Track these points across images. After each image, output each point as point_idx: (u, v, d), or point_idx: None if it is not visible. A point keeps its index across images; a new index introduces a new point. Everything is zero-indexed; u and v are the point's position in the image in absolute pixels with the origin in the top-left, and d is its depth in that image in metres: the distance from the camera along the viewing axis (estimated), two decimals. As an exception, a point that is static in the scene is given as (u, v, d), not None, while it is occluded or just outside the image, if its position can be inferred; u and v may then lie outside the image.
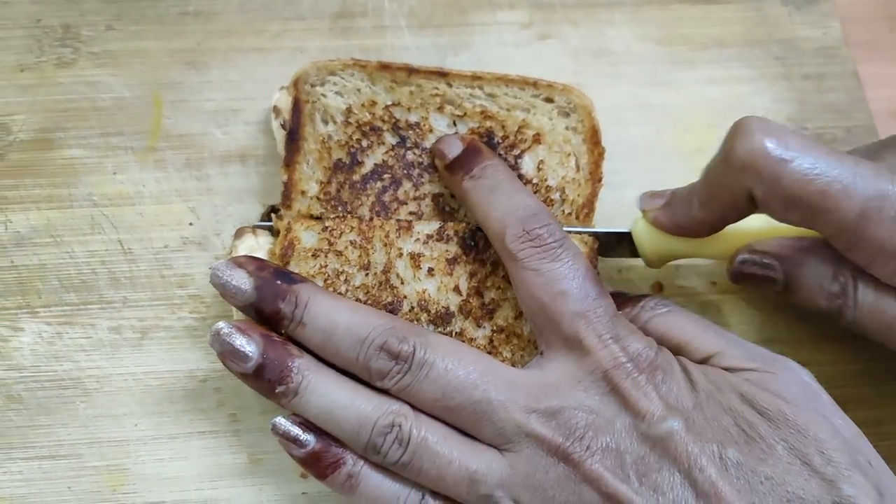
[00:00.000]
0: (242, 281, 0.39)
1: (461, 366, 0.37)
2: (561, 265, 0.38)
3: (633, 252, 0.44)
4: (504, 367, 0.38)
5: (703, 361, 0.39)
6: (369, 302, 0.41)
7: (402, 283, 0.41)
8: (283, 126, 0.45)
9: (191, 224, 0.48)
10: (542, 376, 0.38)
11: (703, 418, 0.36)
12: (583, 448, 0.36)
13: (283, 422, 0.38)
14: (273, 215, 0.44)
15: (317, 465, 0.38)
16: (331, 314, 0.38)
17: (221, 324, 0.38)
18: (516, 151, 0.45)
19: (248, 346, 0.38)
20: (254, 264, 0.39)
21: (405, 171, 0.44)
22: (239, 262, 0.39)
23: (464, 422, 0.37)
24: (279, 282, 0.39)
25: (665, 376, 0.37)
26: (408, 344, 0.37)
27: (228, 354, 0.38)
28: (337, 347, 0.38)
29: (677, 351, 0.40)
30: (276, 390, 0.38)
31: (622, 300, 0.42)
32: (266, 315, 0.39)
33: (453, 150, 0.43)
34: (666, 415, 0.36)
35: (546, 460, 0.36)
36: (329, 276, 0.41)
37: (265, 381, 0.38)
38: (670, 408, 0.36)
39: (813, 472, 0.35)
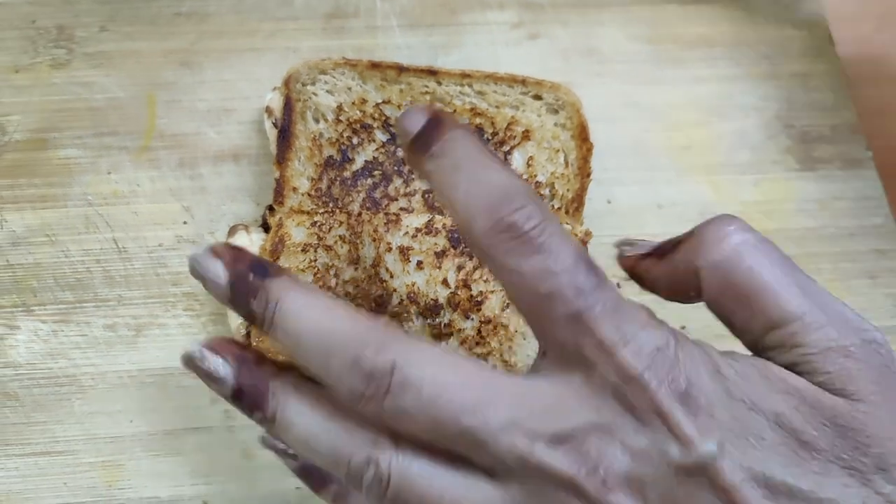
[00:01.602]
0: (218, 274, 0.32)
1: (452, 384, 0.30)
2: (544, 257, 0.30)
3: None
4: (502, 378, 0.31)
5: (774, 328, 0.31)
6: (359, 296, 0.41)
7: (392, 276, 0.42)
8: (275, 125, 0.46)
9: (185, 223, 0.48)
10: (547, 389, 0.30)
11: (742, 433, 0.29)
12: (598, 482, 0.29)
13: (269, 437, 0.35)
14: (266, 211, 0.45)
15: (307, 480, 0.35)
16: (300, 316, 0.32)
17: (192, 346, 0.33)
18: (506, 147, 0.45)
19: (221, 369, 0.33)
20: (231, 254, 0.33)
21: (395, 168, 0.45)
22: (216, 252, 0.33)
23: (457, 449, 0.31)
24: (252, 275, 0.32)
25: (690, 381, 0.29)
26: (385, 359, 0.30)
27: (205, 379, 0.33)
28: (306, 359, 0.32)
29: (738, 307, 0.32)
30: (254, 416, 0.33)
31: (656, 249, 0.36)
32: (243, 316, 0.33)
33: (415, 124, 0.33)
34: (695, 436, 0.29)
35: (554, 496, 0.29)
36: (319, 270, 0.42)
37: (244, 405, 0.33)
38: (701, 426, 0.29)
39: (875, 493, 0.29)
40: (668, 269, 0.35)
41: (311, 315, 0.31)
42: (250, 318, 0.33)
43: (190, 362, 0.33)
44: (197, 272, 0.33)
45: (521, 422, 0.30)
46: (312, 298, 0.32)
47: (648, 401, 0.29)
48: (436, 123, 0.33)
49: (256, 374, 0.33)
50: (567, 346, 0.30)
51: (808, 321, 0.31)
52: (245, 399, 0.33)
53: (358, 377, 0.30)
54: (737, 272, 0.32)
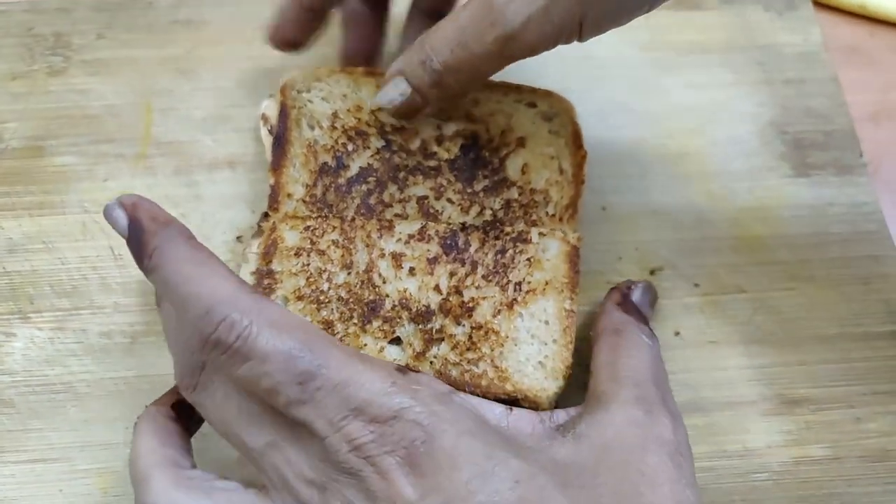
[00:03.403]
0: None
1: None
2: (253, 363, 0.33)
3: None
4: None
5: (615, 380, 0.38)
6: (351, 300, 0.41)
7: (384, 281, 0.42)
8: (270, 132, 0.46)
9: (181, 230, 0.48)
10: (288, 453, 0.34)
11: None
12: None
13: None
14: (262, 218, 0.45)
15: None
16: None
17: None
18: (501, 154, 0.46)
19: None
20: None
21: (390, 174, 0.45)
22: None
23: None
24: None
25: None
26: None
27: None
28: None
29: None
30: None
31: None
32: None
33: (118, 223, 0.37)
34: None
35: None
36: (311, 274, 0.42)
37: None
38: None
39: None
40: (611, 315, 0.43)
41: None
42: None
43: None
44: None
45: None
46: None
47: (372, 464, 0.32)
48: (137, 233, 0.36)
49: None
50: (296, 426, 0.33)
51: None
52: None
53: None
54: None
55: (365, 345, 0.40)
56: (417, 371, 0.36)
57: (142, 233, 0.36)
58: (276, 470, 0.34)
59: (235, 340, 0.33)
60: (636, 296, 0.44)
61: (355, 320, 0.41)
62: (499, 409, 0.37)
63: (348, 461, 0.32)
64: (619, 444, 0.35)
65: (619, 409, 0.36)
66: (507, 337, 0.41)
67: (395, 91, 0.42)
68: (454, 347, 0.40)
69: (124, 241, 0.44)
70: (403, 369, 0.35)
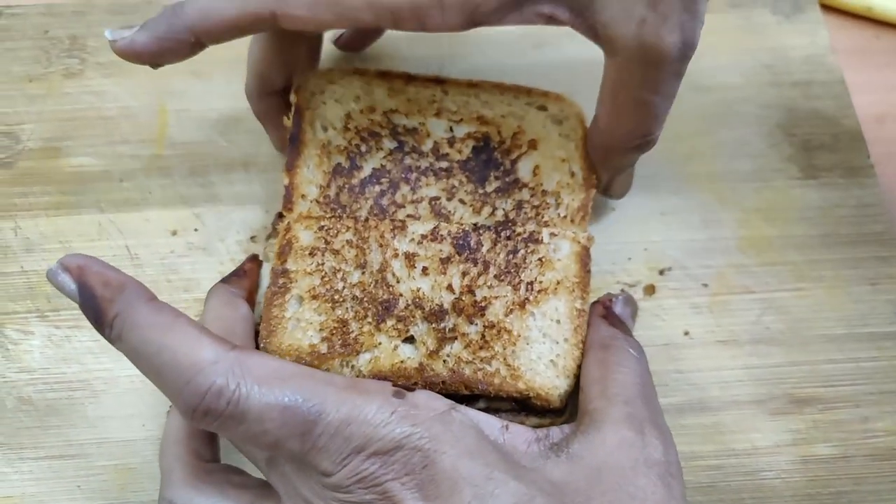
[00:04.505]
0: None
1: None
2: (248, 425, 0.32)
3: None
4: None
5: (604, 398, 0.38)
6: (365, 299, 0.42)
7: (398, 281, 0.42)
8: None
9: (196, 230, 0.49)
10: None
11: None
12: None
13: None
14: (276, 218, 0.46)
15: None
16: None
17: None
18: (513, 156, 0.46)
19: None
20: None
21: (403, 175, 0.46)
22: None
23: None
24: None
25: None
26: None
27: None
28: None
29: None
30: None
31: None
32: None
33: (65, 288, 0.34)
34: None
35: None
36: (326, 273, 0.42)
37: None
38: None
39: None
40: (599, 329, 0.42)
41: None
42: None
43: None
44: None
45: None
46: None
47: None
48: (91, 299, 0.33)
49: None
50: (303, 465, 0.33)
51: None
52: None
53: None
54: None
55: (379, 343, 0.41)
56: (414, 388, 0.36)
57: (95, 300, 0.33)
58: (285, 488, 0.35)
59: (226, 407, 0.32)
60: (618, 308, 0.44)
61: (370, 319, 0.41)
62: (497, 424, 0.37)
63: (354, 492, 0.33)
64: (611, 466, 0.35)
65: (611, 429, 0.36)
66: (520, 336, 0.41)
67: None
68: (467, 346, 0.41)
69: (140, 241, 0.45)
70: (401, 391, 0.35)
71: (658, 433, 0.37)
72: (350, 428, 0.33)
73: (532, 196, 0.45)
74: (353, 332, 0.41)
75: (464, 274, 0.43)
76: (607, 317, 0.43)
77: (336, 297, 0.42)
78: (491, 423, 0.37)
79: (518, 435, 0.37)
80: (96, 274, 0.34)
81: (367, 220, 0.44)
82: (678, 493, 0.36)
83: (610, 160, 0.45)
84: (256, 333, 0.42)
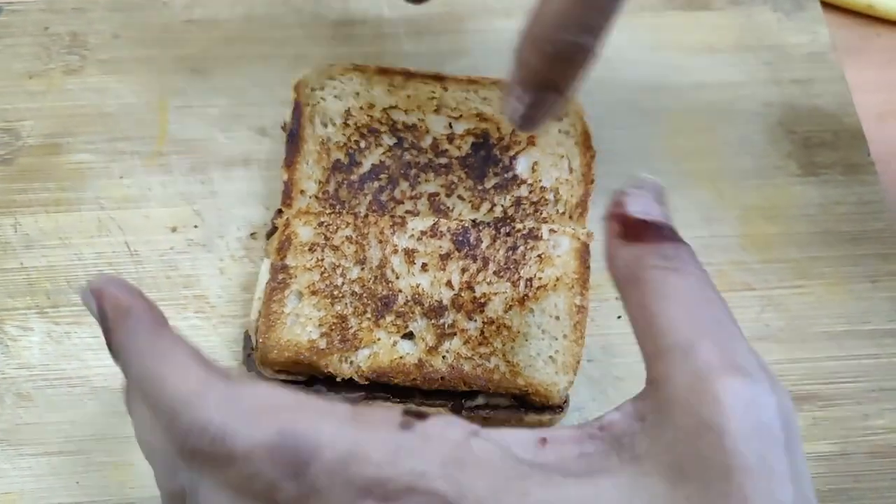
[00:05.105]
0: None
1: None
2: (240, 465, 0.28)
3: None
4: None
5: (659, 355, 0.29)
6: (365, 295, 0.42)
7: (397, 277, 0.42)
8: (283, 129, 0.47)
9: (196, 227, 0.49)
10: None
11: None
12: None
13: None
14: (276, 215, 0.46)
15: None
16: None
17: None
18: (511, 152, 0.46)
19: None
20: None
21: (402, 171, 0.46)
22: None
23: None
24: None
25: None
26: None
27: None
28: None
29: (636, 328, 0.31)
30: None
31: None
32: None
33: (92, 311, 0.33)
34: None
35: None
36: (325, 269, 0.42)
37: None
38: None
39: None
40: (617, 260, 0.33)
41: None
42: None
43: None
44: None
45: None
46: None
47: None
48: (104, 321, 0.32)
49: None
50: None
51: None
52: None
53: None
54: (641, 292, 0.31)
55: (378, 339, 0.41)
56: (426, 416, 0.29)
57: (105, 322, 0.32)
58: None
59: (212, 446, 0.28)
60: (636, 205, 0.33)
61: (369, 315, 0.41)
62: (531, 438, 0.30)
63: None
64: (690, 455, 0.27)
65: (678, 407, 0.28)
66: (519, 332, 0.41)
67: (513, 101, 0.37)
68: (466, 342, 0.41)
69: (140, 237, 0.45)
70: (409, 420, 0.29)
71: (742, 378, 0.28)
72: (351, 468, 0.27)
73: (531, 192, 0.45)
74: (352, 327, 0.41)
75: (463, 270, 0.43)
76: (626, 230, 0.33)
77: (335, 292, 0.42)
78: (523, 440, 0.30)
79: (560, 443, 0.30)
80: (110, 297, 0.32)
81: (366, 216, 0.44)
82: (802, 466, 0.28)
83: (531, 58, 0.37)
84: (255, 330, 0.42)
